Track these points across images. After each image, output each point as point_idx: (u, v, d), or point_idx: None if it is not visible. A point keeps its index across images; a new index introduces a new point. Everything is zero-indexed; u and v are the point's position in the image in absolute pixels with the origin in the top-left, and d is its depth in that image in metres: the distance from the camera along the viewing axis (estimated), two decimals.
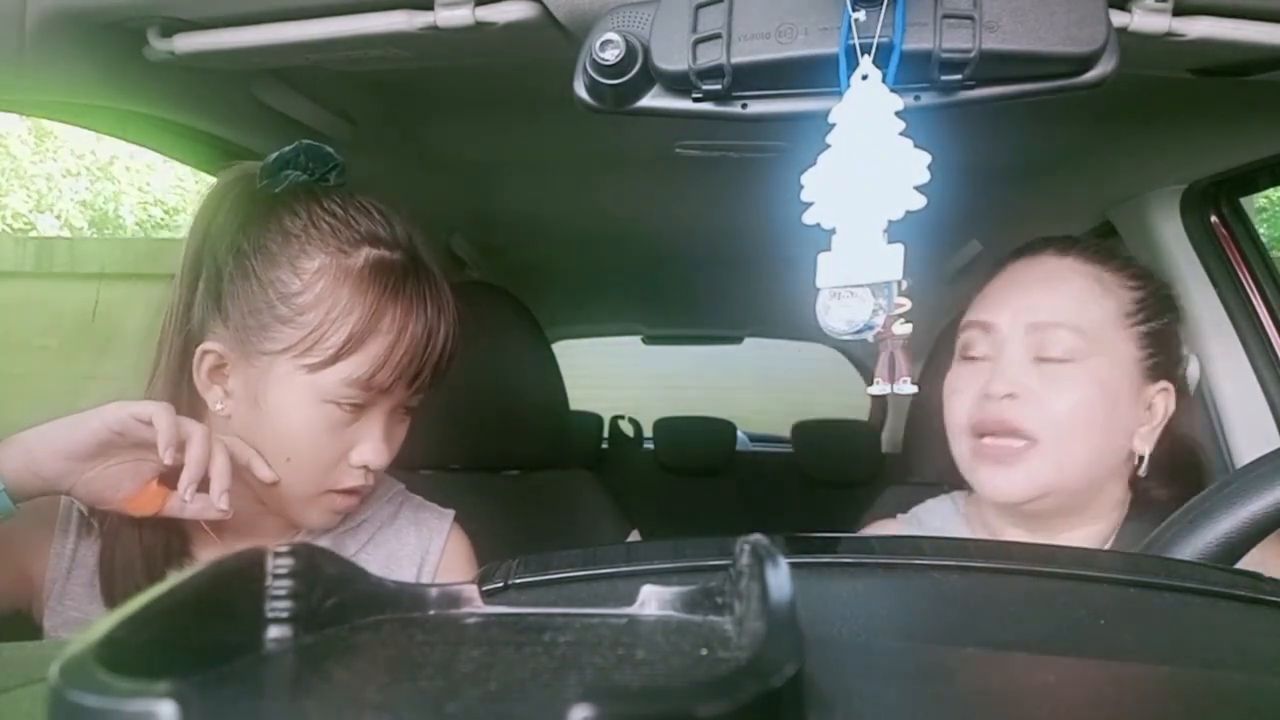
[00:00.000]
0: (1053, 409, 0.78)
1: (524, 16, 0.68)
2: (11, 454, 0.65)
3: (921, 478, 1.34)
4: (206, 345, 0.74)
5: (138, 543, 0.75)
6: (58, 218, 7.71)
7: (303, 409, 0.71)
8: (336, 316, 0.71)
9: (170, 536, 0.76)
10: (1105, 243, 0.90)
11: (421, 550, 0.86)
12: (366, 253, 0.74)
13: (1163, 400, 0.83)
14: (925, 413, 1.36)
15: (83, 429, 0.66)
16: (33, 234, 7.47)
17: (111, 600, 0.74)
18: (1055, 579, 0.42)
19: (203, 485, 0.68)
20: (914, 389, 0.56)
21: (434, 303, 0.75)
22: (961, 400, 0.83)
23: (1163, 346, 0.83)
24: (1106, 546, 0.82)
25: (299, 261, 0.72)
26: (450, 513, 0.91)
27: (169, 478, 0.69)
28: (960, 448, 0.84)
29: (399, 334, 0.72)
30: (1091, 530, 0.83)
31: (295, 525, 0.79)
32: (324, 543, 0.77)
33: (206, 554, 0.77)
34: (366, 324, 0.71)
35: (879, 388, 0.58)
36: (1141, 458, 0.81)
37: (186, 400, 0.75)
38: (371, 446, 0.74)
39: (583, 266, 2.18)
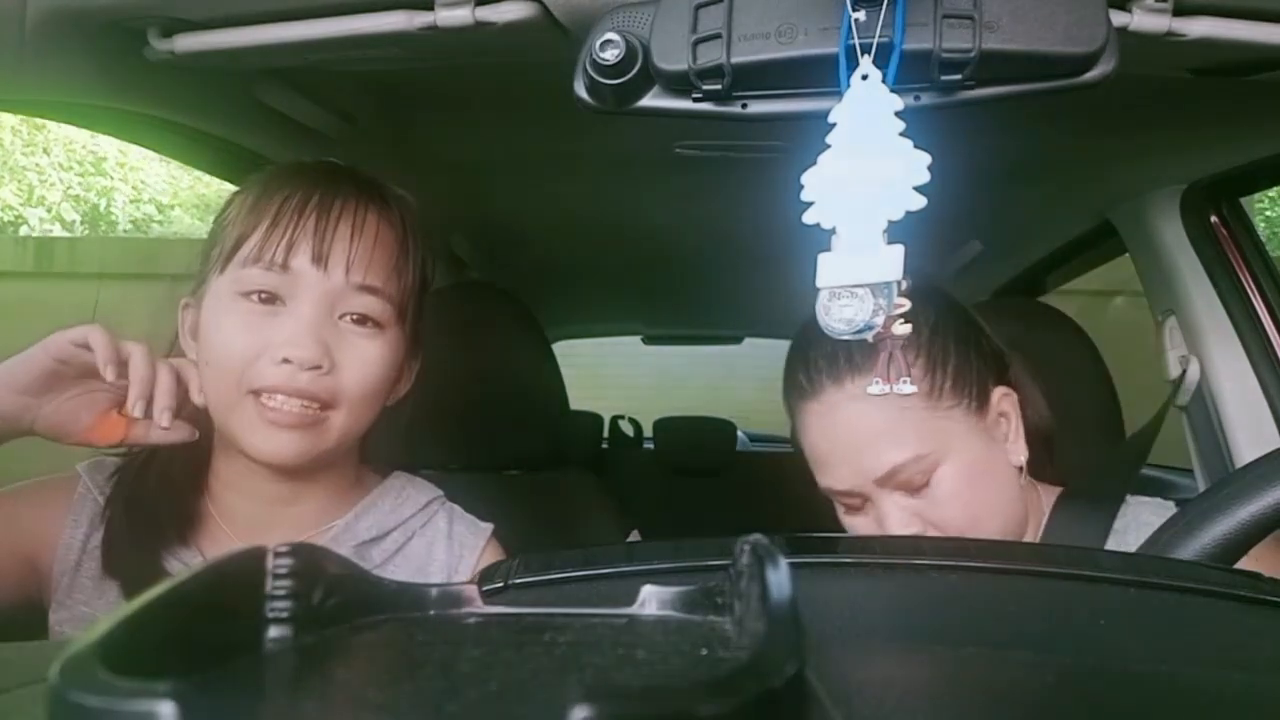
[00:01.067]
0: (951, 524, 0.77)
1: (524, 16, 0.68)
2: None
3: None
4: (185, 299, 0.76)
5: (148, 538, 0.74)
6: (48, 211, 7.69)
7: (219, 312, 0.70)
8: (242, 215, 0.71)
9: (183, 532, 0.76)
10: (829, 344, 0.77)
11: (451, 566, 0.81)
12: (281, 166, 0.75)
13: (1008, 403, 0.82)
14: None
15: (28, 362, 0.66)
16: (24, 228, 7.45)
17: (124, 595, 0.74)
18: (1055, 579, 0.42)
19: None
20: (913, 389, 0.56)
21: (349, 187, 0.73)
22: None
23: (968, 373, 0.79)
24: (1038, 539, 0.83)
25: (234, 197, 0.75)
26: (488, 527, 0.85)
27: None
28: None
29: (283, 203, 0.70)
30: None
31: (264, 466, 0.73)
32: (346, 552, 0.73)
33: (218, 550, 0.77)
34: (261, 208, 0.71)
35: (879, 388, 0.58)
36: (1021, 467, 0.81)
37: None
38: (288, 337, 0.68)
39: (583, 266, 2.18)
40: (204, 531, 0.78)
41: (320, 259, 0.69)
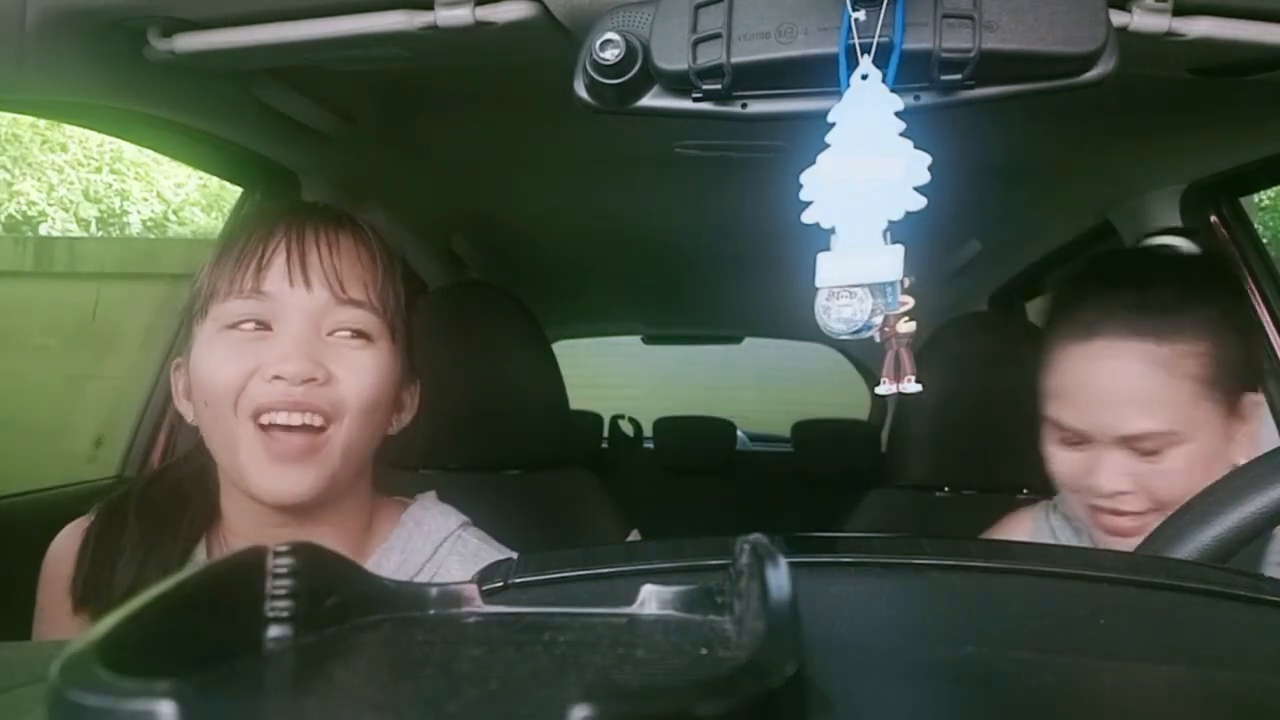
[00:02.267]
0: (1164, 497, 0.79)
1: (524, 16, 0.68)
2: None
3: (906, 480, 1.34)
4: (177, 359, 0.76)
5: (160, 558, 0.73)
6: (65, 210, 7.70)
7: (207, 350, 0.70)
8: (214, 263, 0.72)
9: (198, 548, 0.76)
10: (1161, 299, 0.81)
11: None
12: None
13: (1251, 407, 0.83)
14: (911, 416, 1.37)
15: None
16: (43, 226, 7.45)
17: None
18: (1055, 579, 0.42)
19: None
20: (919, 388, 0.56)
21: (314, 215, 0.74)
22: (1067, 473, 0.85)
23: (1243, 373, 0.81)
24: None
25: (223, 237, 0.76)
26: (510, 557, 0.83)
27: None
28: (1072, 502, 0.87)
29: (252, 235, 0.71)
30: None
31: (266, 505, 0.71)
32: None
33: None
34: (231, 249, 0.71)
35: (885, 387, 0.58)
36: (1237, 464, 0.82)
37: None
38: (278, 356, 0.67)
39: (583, 266, 2.18)
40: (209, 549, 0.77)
41: (298, 279, 0.69)
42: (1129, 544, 0.79)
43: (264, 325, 0.69)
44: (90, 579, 0.73)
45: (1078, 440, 0.83)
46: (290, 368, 0.67)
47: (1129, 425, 0.78)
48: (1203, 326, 0.80)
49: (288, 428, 0.67)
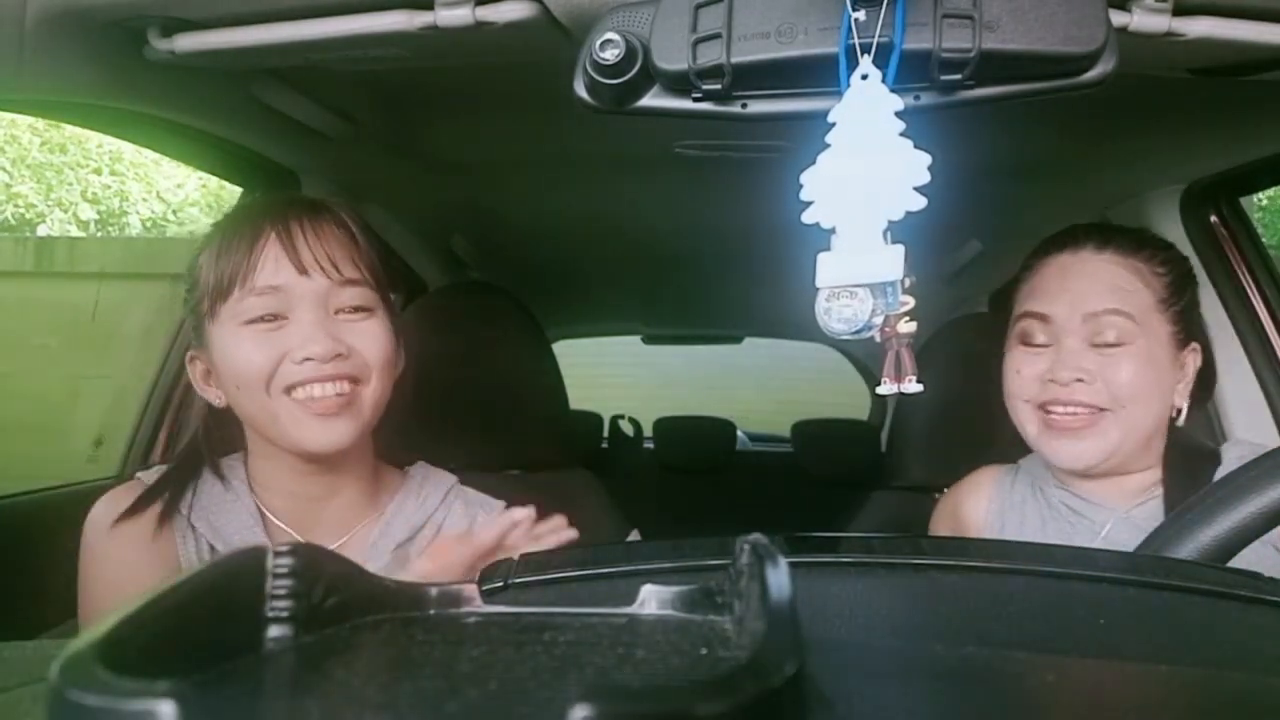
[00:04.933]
0: (1113, 387, 0.89)
1: (524, 16, 0.68)
2: None
3: (905, 481, 1.34)
4: (190, 352, 0.83)
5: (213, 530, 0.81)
6: (64, 211, 7.69)
7: (232, 345, 0.78)
8: (217, 259, 0.79)
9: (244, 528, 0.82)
10: (1134, 233, 0.99)
11: None
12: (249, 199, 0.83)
13: (1192, 359, 0.95)
14: (910, 417, 1.37)
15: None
16: (41, 227, 7.44)
17: None
18: (1055, 579, 0.42)
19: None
20: (920, 388, 0.56)
21: (293, 208, 0.80)
22: (1026, 380, 0.95)
23: (1188, 317, 0.94)
24: (1159, 489, 0.93)
25: (199, 250, 0.82)
26: (499, 504, 0.93)
27: None
28: (1028, 423, 0.96)
29: (252, 236, 0.78)
30: (1145, 476, 0.94)
31: (309, 457, 0.81)
32: (386, 554, 0.84)
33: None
34: (234, 246, 0.78)
35: (887, 387, 0.58)
36: (1180, 410, 0.94)
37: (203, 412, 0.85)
38: (302, 340, 0.76)
39: (583, 266, 2.18)
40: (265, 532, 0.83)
41: (302, 268, 0.77)
42: (1081, 452, 0.91)
43: (280, 316, 0.77)
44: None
45: (1042, 336, 0.94)
46: (318, 348, 0.76)
47: (1096, 303, 0.91)
48: (1161, 260, 0.95)
49: (321, 394, 0.77)
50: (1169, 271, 0.94)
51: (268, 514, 0.84)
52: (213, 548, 0.82)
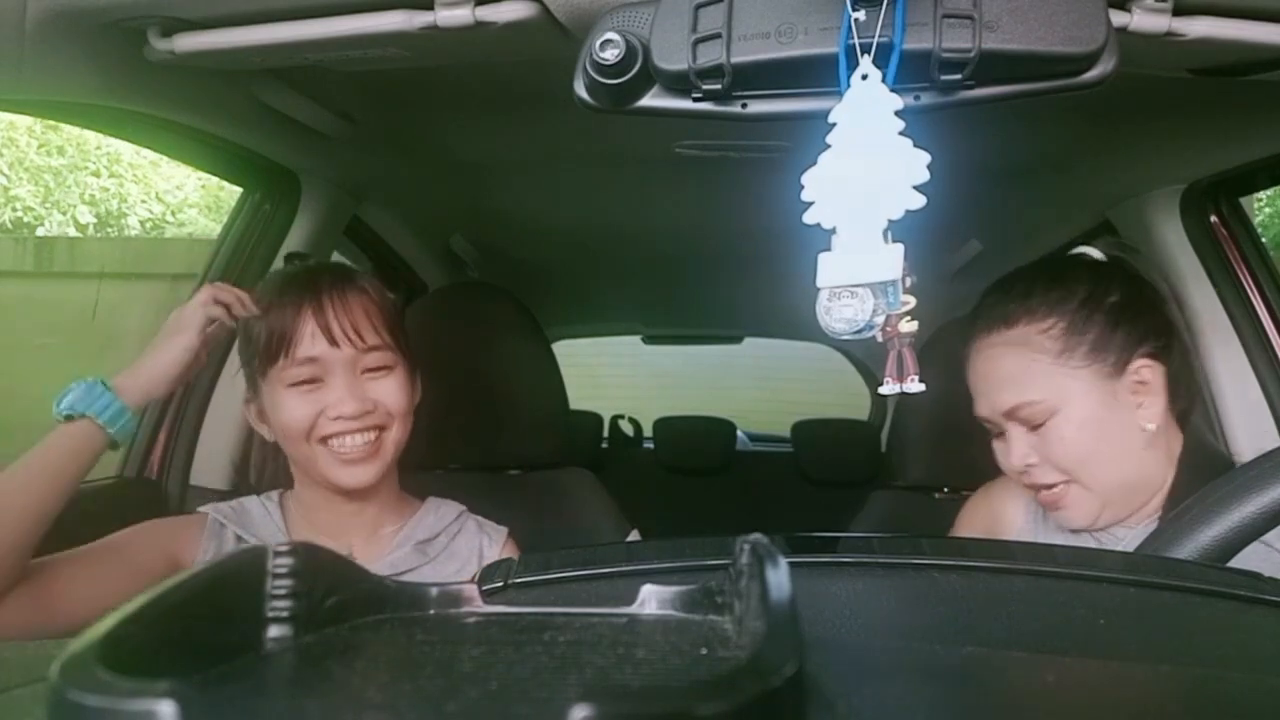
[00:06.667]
0: (1059, 461, 0.89)
1: (524, 16, 0.68)
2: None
3: (905, 481, 1.34)
4: (245, 398, 0.99)
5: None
6: (63, 214, 7.68)
7: (279, 402, 0.92)
8: (267, 320, 0.92)
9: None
10: (1006, 300, 0.95)
11: (488, 555, 1.01)
12: (279, 272, 1.02)
13: (1149, 372, 0.90)
14: (910, 416, 1.37)
15: (176, 349, 0.90)
16: (40, 229, 7.43)
17: None
18: (1055, 579, 0.42)
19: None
20: (922, 387, 0.56)
21: (325, 283, 0.93)
22: (1014, 473, 0.96)
23: (1110, 343, 0.90)
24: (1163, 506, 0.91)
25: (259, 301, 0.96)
26: (504, 529, 1.05)
27: None
28: (1039, 503, 0.97)
29: (294, 311, 0.91)
30: (1160, 496, 0.91)
31: (342, 490, 0.94)
32: (409, 548, 0.97)
33: None
34: (276, 316, 0.92)
35: (889, 387, 0.58)
36: (1146, 429, 0.90)
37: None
38: (335, 399, 0.91)
39: (583, 266, 2.18)
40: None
41: (334, 340, 0.91)
42: (1072, 518, 0.91)
43: (317, 380, 0.92)
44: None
45: (997, 430, 0.96)
46: (348, 408, 0.91)
47: (1003, 402, 0.92)
48: (1050, 306, 0.91)
49: (352, 444, 0.92)
50: (1054, 320, 0.90)
51: (294, 531, 0.98)
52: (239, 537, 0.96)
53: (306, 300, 0.92)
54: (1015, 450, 0.92)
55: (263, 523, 0.97)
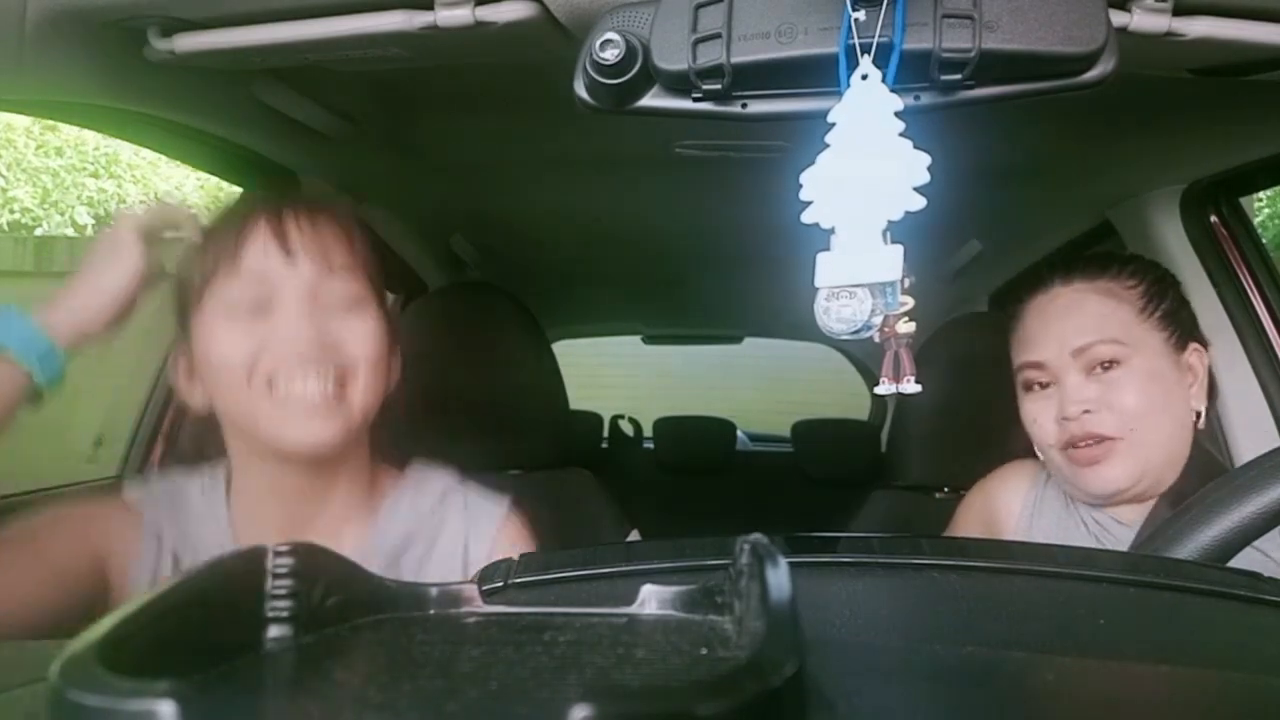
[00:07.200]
0: (1119, 411, 0.90)
1: (524, 16, 0.68)
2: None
3: (905, 480, 1.34)
4: (172, 355, 0.79)
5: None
6: (62, 215, 7.67)
7: (212, 334, 0.73)
8: (203, 254, 0.75)
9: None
10: (1096, 255, 1.01)
11: (484, 554, 0.82)
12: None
13: (1197, 359, 0.95)
14: (910, 416, 1.37)
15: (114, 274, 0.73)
16: (38, 230, 7.42)
17: None
18: (1055, 579, 0.42)
19: None
20: (918, 388, 0.56)
21: (275, 197, 0.77)
22: (1044, 427, 0.96)
23: (1177, 319, 0.95)
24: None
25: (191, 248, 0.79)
26: (504, 502, 0.88)
27: None
28: (1060, 467, 0.96)
29: (241, 223, 0.74)
30: (1160, 489, 0.93)
31: (293, 459, 0.75)
32: (382, 565, 0.77)
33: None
34: (219, 237, 0.74)
35: (885, 387, 0.58)
36: (1199, 413, 0.94)
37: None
38: (286, 330, 0.72)
39: (583, 266, 2.18)
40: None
41: (290, 251, 0.73)
42: (1107, 479, 0.91)
43: (263, 305, 0.73)
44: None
45: (1044, 380, 0.96)
46: (302, 340, 0.71)
47: (1080, 339, 0.93)
48: (1129, 273, 0.97)
49: (304, 389, 0.71)
50: (1139, 281, 0.96)
51: (241, 528, 0.79)
52: (177, 558, 0.77)
53: (260, 207, 0.75)
54: (1073, 394, 0.92)
55: (201, 518, 0.79)
